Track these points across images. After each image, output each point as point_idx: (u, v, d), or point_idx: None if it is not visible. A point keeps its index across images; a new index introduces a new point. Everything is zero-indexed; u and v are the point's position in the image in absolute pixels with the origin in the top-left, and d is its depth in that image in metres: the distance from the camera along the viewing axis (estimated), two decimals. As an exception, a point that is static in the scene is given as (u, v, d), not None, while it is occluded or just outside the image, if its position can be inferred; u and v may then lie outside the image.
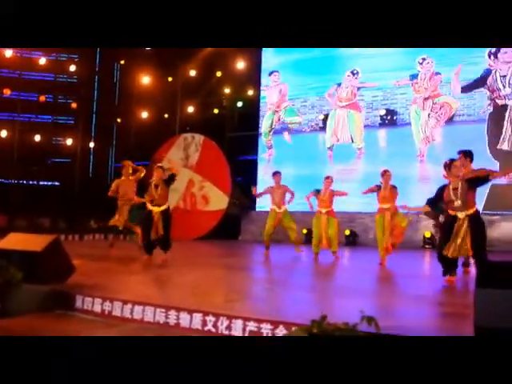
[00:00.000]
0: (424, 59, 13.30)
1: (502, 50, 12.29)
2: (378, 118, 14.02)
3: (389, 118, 13.87)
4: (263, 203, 14.99)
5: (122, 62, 18.64)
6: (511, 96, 12.33)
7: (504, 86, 12.38)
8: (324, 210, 8.95)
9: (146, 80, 16.51)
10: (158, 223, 7.71)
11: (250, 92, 16.63)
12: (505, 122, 12.32)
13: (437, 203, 6.17)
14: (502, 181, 12.06)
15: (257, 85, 16.25)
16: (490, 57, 12.47)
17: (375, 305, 4.65)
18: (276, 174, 9.76)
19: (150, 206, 7.84)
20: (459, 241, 5.68)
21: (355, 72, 14.51)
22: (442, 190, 5.92)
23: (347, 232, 13.57)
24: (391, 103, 13.86)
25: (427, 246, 12.29)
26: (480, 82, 12.64)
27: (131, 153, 16.42)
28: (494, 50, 12.34)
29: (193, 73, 16.57)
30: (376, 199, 8.26)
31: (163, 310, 4.03)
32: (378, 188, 8.15)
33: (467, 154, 6.24)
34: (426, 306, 4.74)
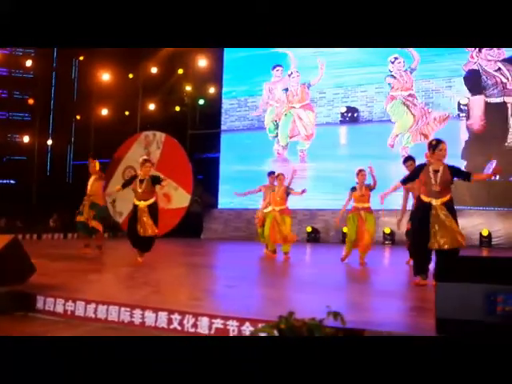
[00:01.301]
0: (396, 58, 13.50)
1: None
2: (339, 116, 14.21)
3: (350, 115, 14.07)
4: (225, 201, 15.03)
5: (81, 58, 18.28)
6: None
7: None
8: (278, 208, 8.84)
9: (105, 77, 16.25)
10: (143, 219, 7.49)
11: (212, 89, 16.59)
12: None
13: (410, 182, 5.87)
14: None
15: (219, 82, 16.22)
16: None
17: (341, 300, 4.71)
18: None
19: (135, 201, 7.66)
20: (435, 232, 5.27)
21: (297, 71, 14.76)
22: (420, 168, 5.54)
23: (309, 229, 13.72)
24: (352, 101, 14.07)
25: (387, 242, 12.56)
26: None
27: (91, 151, 16.13)
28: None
29: (154, 70, 16.41)
30: (336, 196, 8.35)
31: (128, 309, 3.98)
32: (353, 189, 8.04)
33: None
34: (389, 300, 4.84)
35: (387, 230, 12.58)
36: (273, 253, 8.94)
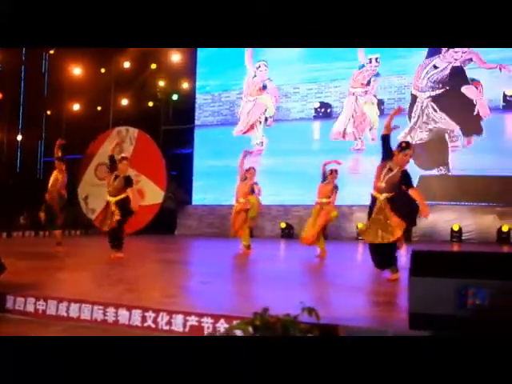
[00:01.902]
0: (374, 59, 13.59)
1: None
2: (313, 111, 14.27)
3: (323, 110, 14.15)
4: (199, 197, 14.97)
5: (51, 51, 17.94)
6: (424, 89, 12.91)
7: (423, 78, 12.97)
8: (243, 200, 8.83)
9: (77, 71, 16.00)
10: (112, 214, 7.55)
11: (186, 84, 16.48)
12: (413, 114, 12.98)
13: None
14: (431, 172, 12.64)
15: (192, 77, 16.12)
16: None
17: (315, 295, 4.74)
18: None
19: (107, 196, 7.74)
20: (376, 225, 5.45)
21: (266, 64, 14.81)
22: (388, 154, 5.56)
23: (283, 225, 13.76)
24: (325, 96, 14.14)
25: (360, 238, 12.65)
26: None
27: (63, 146, 15.87)
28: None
29: (126, 64, 16.22)
30: (310, 191, 8.46)
31: (101, 308, 3.94)
32: (323, 180, 8.20)
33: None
34: (362, 295, 4.89)
35: (361, 225, 12.69)
36: (247, 248, 8.95)
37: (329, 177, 8.21)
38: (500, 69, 12.25)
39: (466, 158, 12.50)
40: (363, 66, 13.65)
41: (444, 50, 12.88)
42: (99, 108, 17.21)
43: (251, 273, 7.08)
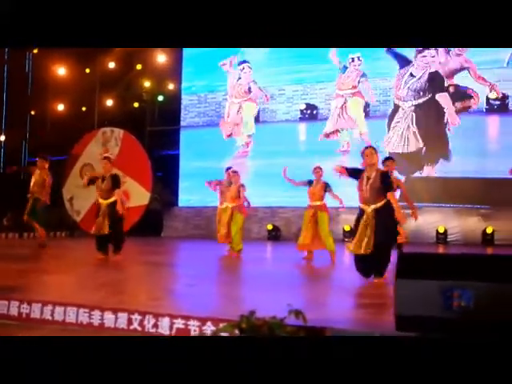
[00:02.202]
0: (356, 58, 13.64)
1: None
2: (298, 113, 14.30)
3: (309, 112, 14.18)
4: (185, 198, 14.92)
5: (35, 51, 17.76)
6: (406, 98, 13.01)
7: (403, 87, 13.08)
8: (230, 205, 8.90)
9: (61, 71, 15.86)
10: (103, 218, 7.43)
11: (172, 85, 16.42)
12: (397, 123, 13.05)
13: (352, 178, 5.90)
14: (416, 174, 12.74)
15: (178, 77, 16.07)
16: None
17: (301, 298, 4.74)
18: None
19: (98, 199, 7.61)
20: (362, 237, 5.49)
21: (249, 66, 14.85)
22: (359, 172, 5.72)
23: (269, 227, 13.76)
24: (311, 98, 14.17)
25: (346, 240, 12.67)
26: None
27: (47, 147, 15.74)
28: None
29: (112, 65, 16.11)
30: (296, 193, 8.45)
31: (86, 310, 3.89)
32: (310, 183, 8.16)
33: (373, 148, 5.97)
34: (348, 298, 4.90)
35: (347, 228, 12.72)
36: (238, 252, 8.93)
37: (314, 175, 8.14)
38: (490, 90, 12.32)
39: (447, 160, 12.63)
40: (346, 68, 13.69)
41: (413, 56, 13.00)
42: (84, 108, 17.08)
43: (238, 275, 7.07)
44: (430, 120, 12.84)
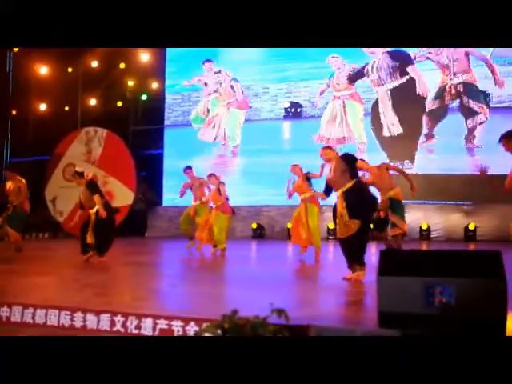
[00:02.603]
0: (332, 57, 13.66)
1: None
2: (283, 111, 14.31)
3: (293, 110, 14.19)
4: (170, 198, 14.86)
5: (16, 49, 17.55)
6: (379, 82, 13.09)
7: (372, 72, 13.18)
8: (215, 205, 9.05)
9: (43, 70, 15.69)
10: (90, 227, 7.53)
11: (155, 84, 16.33)
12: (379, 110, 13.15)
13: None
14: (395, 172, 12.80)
15: (162, 76, 15.99)
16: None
17: (284, 296, 4.74)
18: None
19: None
20: (338, 221, 5.59)
21: (222, 69, 14.89)
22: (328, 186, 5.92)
23: (254, 226, 13.75)
24: (295, 96, 14.19)
25: (330, 238, 12.73)
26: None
27: (29, 147, 15.59)
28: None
29: (94, 64, 15.96)
30: (281, 191, 8.50)
31: (68, 313, 3.86)
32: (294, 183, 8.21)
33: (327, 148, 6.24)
34: (331, 295, 4.91)
35: (331, 226, 12.77)
36: (215, 251, 9.03)
37: (293, 173, 8.19)
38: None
39: (430, 157, 12.71)
40: (333, 73, 13.73)
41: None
42: (67, 108, 16.91)
43: (221, 274, 7.06)
44: (407, 103, 12.92)
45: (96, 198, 7.44)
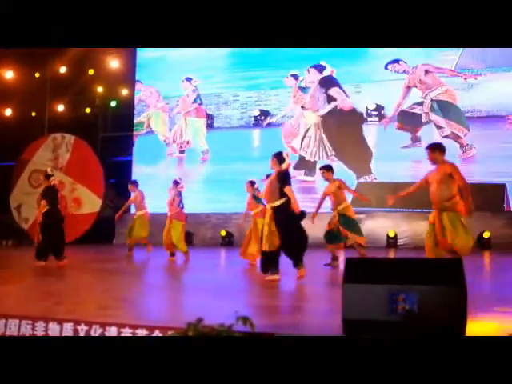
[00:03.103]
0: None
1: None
2: (252, 119, 14.35)
3: (262, 118, 14.24)
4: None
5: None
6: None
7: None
8: (170, 213, 9.29)
9: (9, 74, 15.40)
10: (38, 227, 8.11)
11: (125, 91, 16.18)
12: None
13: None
14: (368, 179, 12.96)
15: (131, 84, 15.86)
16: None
17: (250, 304, 4.74)
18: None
19: None
20: (266, 233, 5.95)
21: (191, 77, 14.92)
22: (268, 176, 6.29)
23: (223, 233, 13.69)
24: (265, 104, 14.25)
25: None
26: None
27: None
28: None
29: (63, 69, 15.73)
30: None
31: (29, 322, 3.77)
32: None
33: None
34: (296, 302, 4.93)
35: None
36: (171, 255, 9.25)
37: (250, 189, 8.68)
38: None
39: (397, 165, 12.89)
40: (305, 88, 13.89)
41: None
42: (33, 113, 16.61)
43: (188, 282, 7.01)
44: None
45: (42, 203, 7.76)
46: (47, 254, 7.97)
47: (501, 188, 11.65)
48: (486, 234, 11.37)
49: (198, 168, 14.54)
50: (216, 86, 14.77)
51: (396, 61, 12.97)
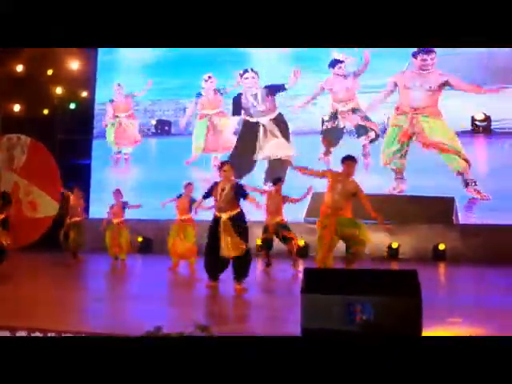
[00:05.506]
0: (210, 77, 13.69)
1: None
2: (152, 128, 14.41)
3: (159, 127, 14.27)
4: (96, 210, 14.45)
5: None
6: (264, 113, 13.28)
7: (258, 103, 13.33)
8: (116, 221, 9.67)
9: (-39, 73, 14.93)
10: None
11: (85, 93, 15.91)
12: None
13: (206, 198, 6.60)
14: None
15: (92, 85, 15.61)
16: (241, 76, 13.24)
17: (208, 312, 4.73)
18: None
19: None
20: (229, 239, 5.97)
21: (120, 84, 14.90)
22: (213, 186, 6.28)
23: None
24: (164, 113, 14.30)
25: (259, 252, 12.68)
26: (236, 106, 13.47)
27: None
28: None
29: (19, 68, 15.33)
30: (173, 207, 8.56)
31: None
32: (179, 196, 8.41)
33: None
34: (257, 310, 4.94)
35: (258, 241, 12.74)
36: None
37: (185, 190, 8.36)
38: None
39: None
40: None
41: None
42: (-13, 113, 16.13)
43: (145, 289, 6.91)
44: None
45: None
46: None
47: (450, 201, 11.98)
48: (442, 246, 11.65)
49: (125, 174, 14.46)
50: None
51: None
